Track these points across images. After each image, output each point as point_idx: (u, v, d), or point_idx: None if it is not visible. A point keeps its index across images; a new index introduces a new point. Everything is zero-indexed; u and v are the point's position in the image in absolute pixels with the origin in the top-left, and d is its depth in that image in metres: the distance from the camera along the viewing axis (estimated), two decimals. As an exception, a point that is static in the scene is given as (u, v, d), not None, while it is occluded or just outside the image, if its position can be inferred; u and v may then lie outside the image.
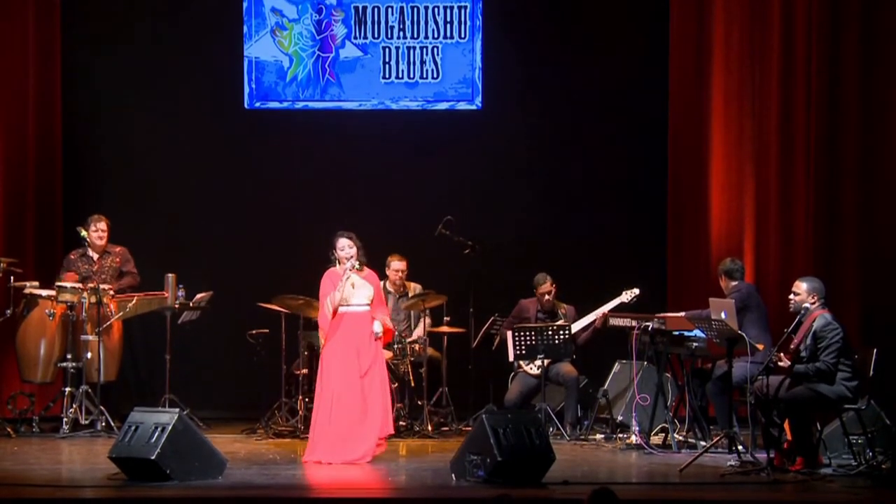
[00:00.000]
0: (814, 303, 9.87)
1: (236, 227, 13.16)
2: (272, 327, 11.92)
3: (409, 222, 12.80)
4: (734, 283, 11.00)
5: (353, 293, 10.28)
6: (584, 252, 13.04)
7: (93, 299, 11.57)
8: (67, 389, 11.62)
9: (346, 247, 10.30)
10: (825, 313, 9.84)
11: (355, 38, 13.20)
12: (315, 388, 10.40)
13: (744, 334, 10.12)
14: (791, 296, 9.96)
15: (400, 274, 12.10)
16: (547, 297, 11.87)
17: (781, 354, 9.83)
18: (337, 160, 13.20)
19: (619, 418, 11.66)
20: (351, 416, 10.10)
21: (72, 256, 12.07)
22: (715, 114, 12.73)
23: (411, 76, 13.21)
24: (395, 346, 11.60)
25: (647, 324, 10.94)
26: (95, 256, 12.01)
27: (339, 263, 10.33)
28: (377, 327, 10.28)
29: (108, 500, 8.85)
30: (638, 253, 13.01)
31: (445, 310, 11.95)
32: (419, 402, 11.76)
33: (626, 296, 11.58)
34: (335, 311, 10.24)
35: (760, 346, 10.23)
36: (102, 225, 12.03)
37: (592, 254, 13.06)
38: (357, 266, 10.26)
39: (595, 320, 11.61)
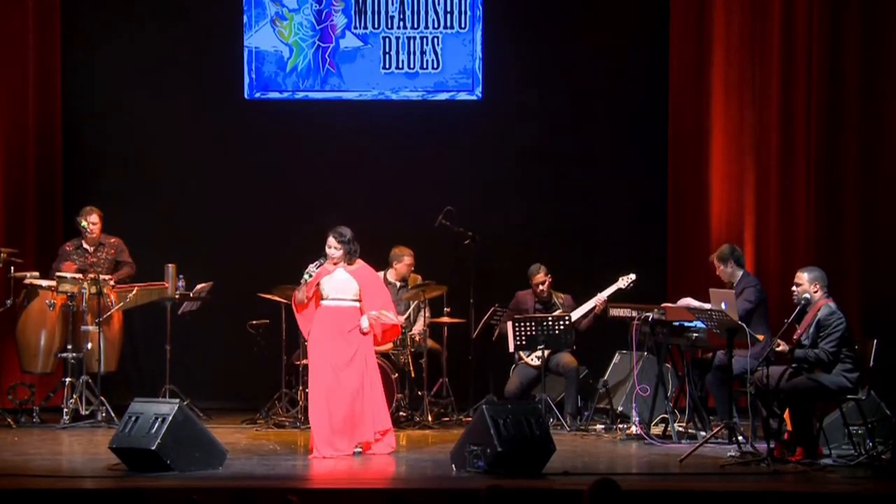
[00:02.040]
0: (816, 292, 9.86)
1: (236, 217, 13.15)
2: (272, 318, 11.91)
3: (410, 213, 12.79)
4: (741, 273, 10.99)
5: (333, 287, 10.13)
6: (585, 242, 13.05)
7: (93, 290, 11.57)
8: (68, 380, 11.63)
9: (331, 245, 10.12)
10: (829, 303, 9.83)
11: (355, 28, 13.19)
12: None
13: (744, 325, 10.11)
14: (794, 287, 9.94)
15: (411, 268, 12.07)
16: (542, 287, 11.85)
17: (780, 341, 9.83)
18: (337, 151, 13.19)
19: (620, 409, 11.67)
20: (335, 410, 9.96)
21: (67, 248, 12.07)
22: (715, 104, 12.73)
23: (411, 66, 13.20)
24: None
25: (648, 314, 10.94)
26: (91, 248, 12.00)
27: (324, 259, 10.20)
28: (363, 322, 10.07)
29: (109, 490, 8.85)
30: (638, 243, 12.99)
31: (445, 300, 11.96)
32: (419, 393, 11.76)
33: (623, 282, 11.59)
34: (317, 304, 10.14)
35: (760, 337, 10.23)
36: (94, 217, 12.01)
37: (593, 244, 13.06)
38: (313, 271, 10.06)
39: (595, 307, 11.61)
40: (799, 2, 12.44)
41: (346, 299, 10.15)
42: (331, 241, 10.13)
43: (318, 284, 10.15)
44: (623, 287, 11.57)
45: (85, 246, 11.98)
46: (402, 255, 12.03)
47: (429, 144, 13.21)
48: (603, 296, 11.58)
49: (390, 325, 10.29)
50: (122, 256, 12.14)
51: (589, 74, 13.18)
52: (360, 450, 10.03)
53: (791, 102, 12.47)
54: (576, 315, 11.70)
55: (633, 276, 11.59)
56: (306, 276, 10.10)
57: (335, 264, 10.17)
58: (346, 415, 10.00)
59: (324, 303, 10.17)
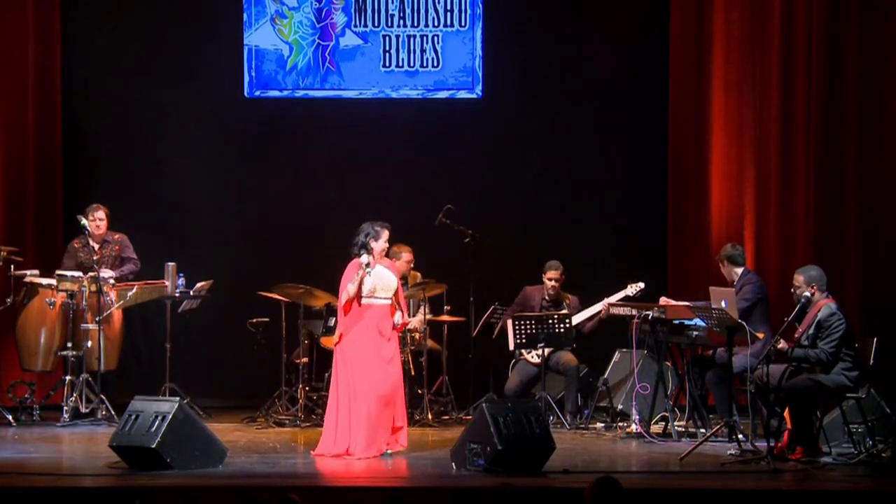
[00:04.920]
0: (814, 292, 9.86)
1: (236, 215, 13.16)
2: (272, 316, 11.92)
3: (409, 211, 12.76)
4: (739, 270, 10.99)
5: (378, 285, 9.97)
6: (585, 241, 13.04)
7: (93, 288, 11.57)
8: (68, 378, 11.62)
9: (388, 239, 9.99)
10: (830, 302, 9.83)
11: (355, 26, 13.18)
12: (332, 381, 10.10)
13: (744, 323, 10.11)
14: (793, 289, 9.96)
15: (411, 265, 12.04)
16: (554, 283, 11.84)
17: (781, 339, 9.83)
18: (336, 149, 13.20)
19: (620, 407, 11.67)
20: (384, 407, 9.86)
21: (75, 244, 12.06)
22: (715, 103, 12.73)
23: (411, 65, 13.19)
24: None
25: (648, 313, 10.93)
26: (96, 246, 12.00)
27: (368, 253, 9.98)
28: (397, 318, 10.01)
29: (109, 488, 8.85)
30: (639, 242, 13.00)
31: (445, 299, 11.95)
32: (419, 391, 11.76)
33: (631, 289, 11.57)
34: (359, 302, 9.94)
35: (760, 335, 10.23)
36: (100, 214, 12.01)
37: (593, 243, 13.05)
38: (367, 265, 9.86)
39: (601, 311, 11.59)
40: (799, 2, 12.44)
41: (388, 297, 10.04)
42: (387, 234, 10.01)
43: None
44: (631, 294, 11.55)
45: (91, 244, 11.98)
46: (400, 253, 11.98)
47: (429, 143, 13.21)
48: (608, 301, 11.55)
49: (404, 323, 10.26)
50: (127, 252, 12.14)
51: (589, 73, 13.17)
52: (389, 451, 9.95)
53: (791, 102, 12.47)
54: (581, 318, 11.70)
55: (641, 285, 11.56)
56: (368, 269, 9.88)
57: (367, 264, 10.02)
58: (390, 413, 9.90)
59: (367, 300, 9.97)
